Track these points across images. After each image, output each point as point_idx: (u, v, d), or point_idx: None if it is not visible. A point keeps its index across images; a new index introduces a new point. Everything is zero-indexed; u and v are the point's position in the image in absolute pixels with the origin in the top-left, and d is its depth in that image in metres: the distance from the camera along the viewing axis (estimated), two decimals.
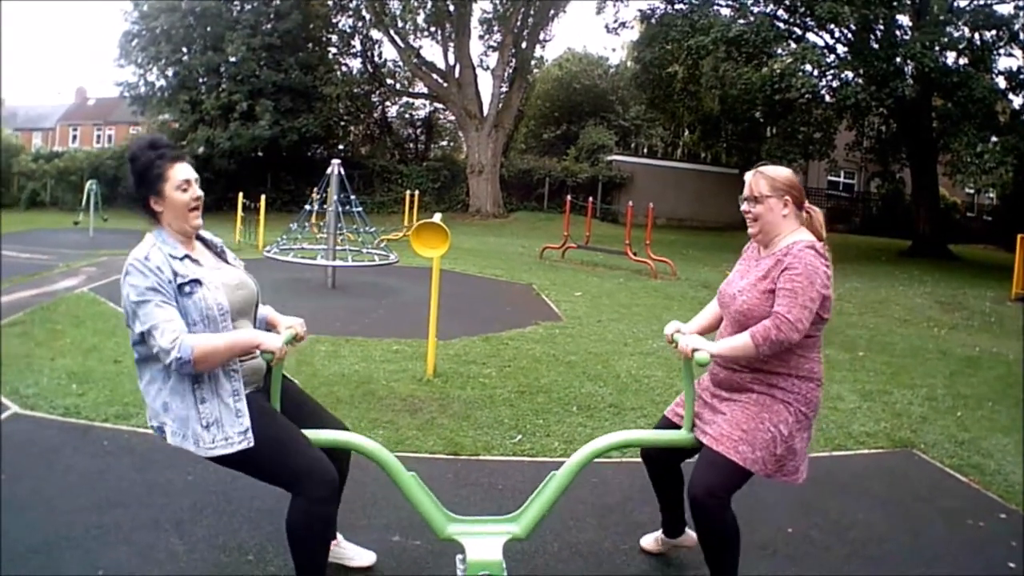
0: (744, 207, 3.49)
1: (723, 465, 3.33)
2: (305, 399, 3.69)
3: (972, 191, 39.82)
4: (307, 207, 14.89)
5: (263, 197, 19.06)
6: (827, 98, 27.13)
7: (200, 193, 3.27)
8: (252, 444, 3.14)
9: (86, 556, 3.87)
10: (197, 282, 3.13)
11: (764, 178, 3.45)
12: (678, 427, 3.67)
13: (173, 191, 3.18)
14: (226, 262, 3.48)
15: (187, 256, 3.20)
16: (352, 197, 13.85)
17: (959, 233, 33.93)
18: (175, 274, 3.10)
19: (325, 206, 13.87)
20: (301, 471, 3.21)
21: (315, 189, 15.11)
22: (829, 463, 5.76)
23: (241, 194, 21.38)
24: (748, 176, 3.52)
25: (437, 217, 7.75)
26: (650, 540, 4.18)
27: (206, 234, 3.44)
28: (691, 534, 3.96)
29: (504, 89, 36.29)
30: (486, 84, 36.49)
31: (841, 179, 42.67)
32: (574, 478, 3.57)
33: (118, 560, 3.85)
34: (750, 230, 3.52)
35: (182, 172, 3.20)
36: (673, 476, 3.86)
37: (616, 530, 4.50)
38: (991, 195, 41.37)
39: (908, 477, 5.67)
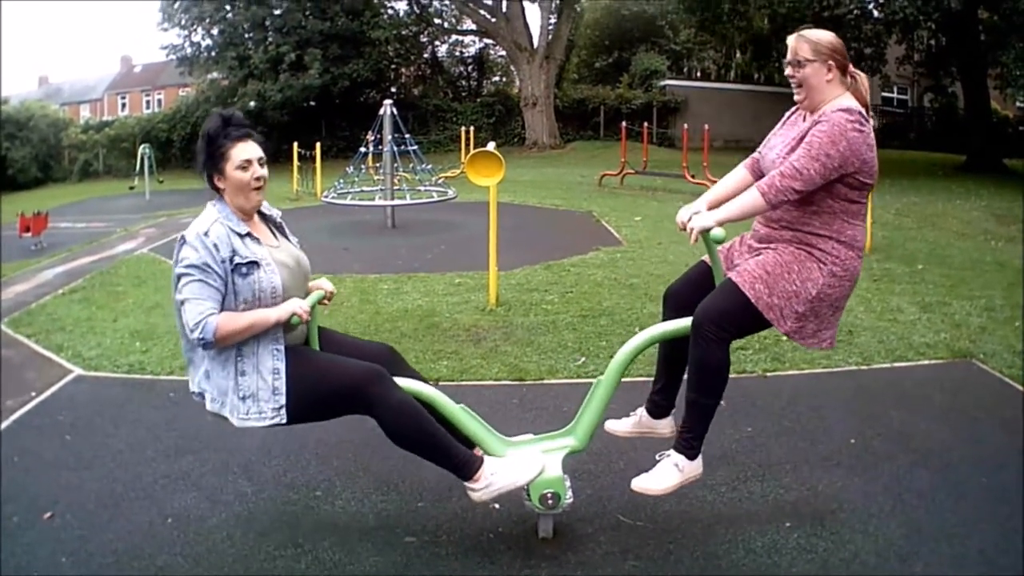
0: (788, 71, 3.35)
1: (734, 296, 3.23)
2: (342, 339, 3.61)
3: (1023, 105, 38.43)
4: (362, 149, 14.84)
5: (318, 145, 18.97)
6: (875, 13, 26.26)
7: (263, 173, 3.24)
8: (284, 421, 3.15)
9: (154, 505, 3.86)
10: (255, 264, 3.13)
11: (806, 42, 3.27)
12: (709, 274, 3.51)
13: (233, 170, 3.17)
14: (284, 236, 3.48)
15: (249, 234, 3.19)
16: (407, 136, 13.77)
17: (1013, 147, 32.83)
18: (234, 252, 3.09)
19: (380, 147, 13.80)
20: (353, 382, 3.17)
21: (369, 132, 15.05)
22: (890, 374, 5.69)
23: (296, 144, 21.33)
24: (791, 40, 3.35)
25: (491, 146, 7.64)
26: (624, 423, 3.89)
27: (266, 207, 3.42)
28: (668, 422, 3.78)
29: (552, 20, 35.58)
30: (534, 16, 35.90)
31: (894, 95, 41.39)
32: (619, 380, 3.47)
33: (187, 506, 3.84)
34: (796, 96, 3.38)
35: (243, 152, 3.18)
36: (685, 355, 3.57)
37: None
38: None
39: (968, 387, 5.52)
